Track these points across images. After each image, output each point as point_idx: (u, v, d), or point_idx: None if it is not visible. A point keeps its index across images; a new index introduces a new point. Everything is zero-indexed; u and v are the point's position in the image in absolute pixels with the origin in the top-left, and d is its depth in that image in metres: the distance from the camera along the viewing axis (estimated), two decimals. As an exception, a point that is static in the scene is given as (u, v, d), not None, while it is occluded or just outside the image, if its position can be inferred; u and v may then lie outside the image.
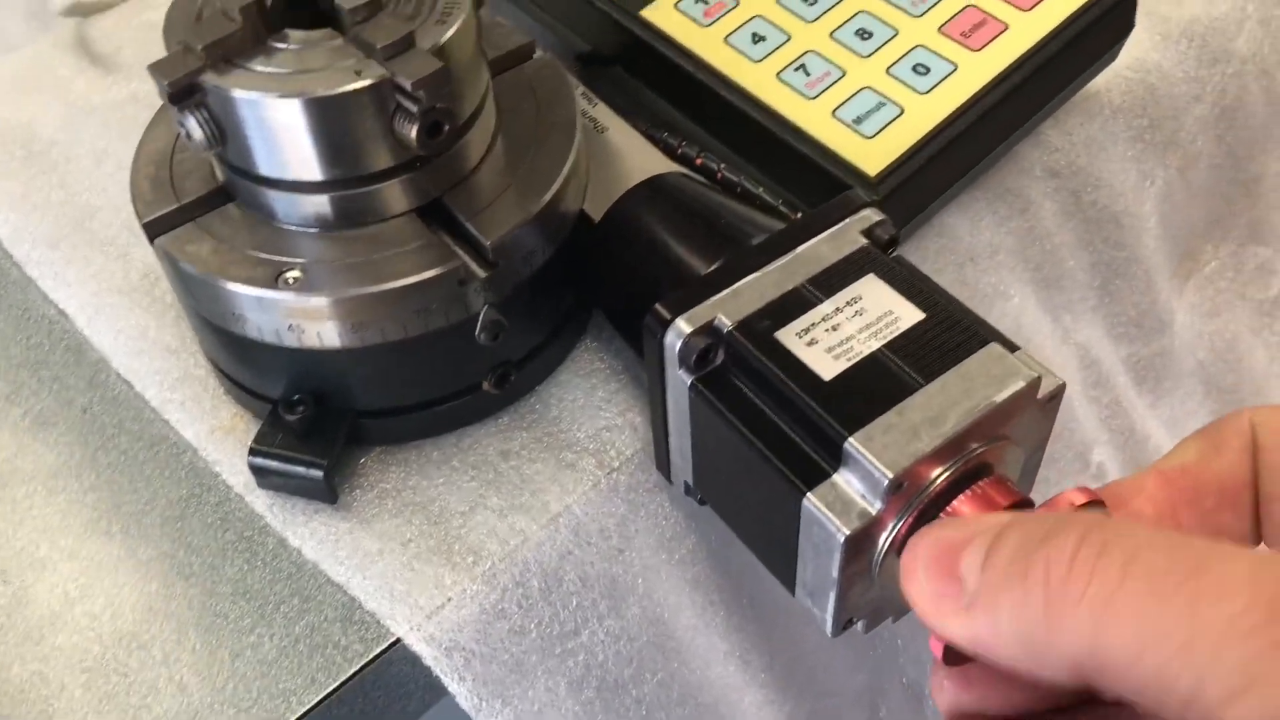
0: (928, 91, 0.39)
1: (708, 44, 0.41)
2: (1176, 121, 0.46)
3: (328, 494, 0.35)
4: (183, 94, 0.30)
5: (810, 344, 0.30)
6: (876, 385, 0.29)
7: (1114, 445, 0.48)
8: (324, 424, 0.35)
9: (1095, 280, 0.45)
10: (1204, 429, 0.28)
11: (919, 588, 0.23)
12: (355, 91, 0.30)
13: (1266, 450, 0.26)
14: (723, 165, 0.39)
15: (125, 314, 0.40)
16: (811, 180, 0.38)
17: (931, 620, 0.22)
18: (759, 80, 0.39)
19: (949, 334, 0.29)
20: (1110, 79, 0.45)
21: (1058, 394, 0.30)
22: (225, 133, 0.31)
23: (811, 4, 0.41)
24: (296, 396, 0.35)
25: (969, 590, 0.21)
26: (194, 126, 0.31)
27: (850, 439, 0.27)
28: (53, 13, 0.49)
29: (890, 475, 0.27)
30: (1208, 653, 0.18)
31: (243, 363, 0.35)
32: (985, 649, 0.23)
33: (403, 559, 0.34)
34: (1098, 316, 0.46)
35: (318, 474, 0.34)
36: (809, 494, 0.28)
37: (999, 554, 0.21)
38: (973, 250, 0.41)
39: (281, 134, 0.31)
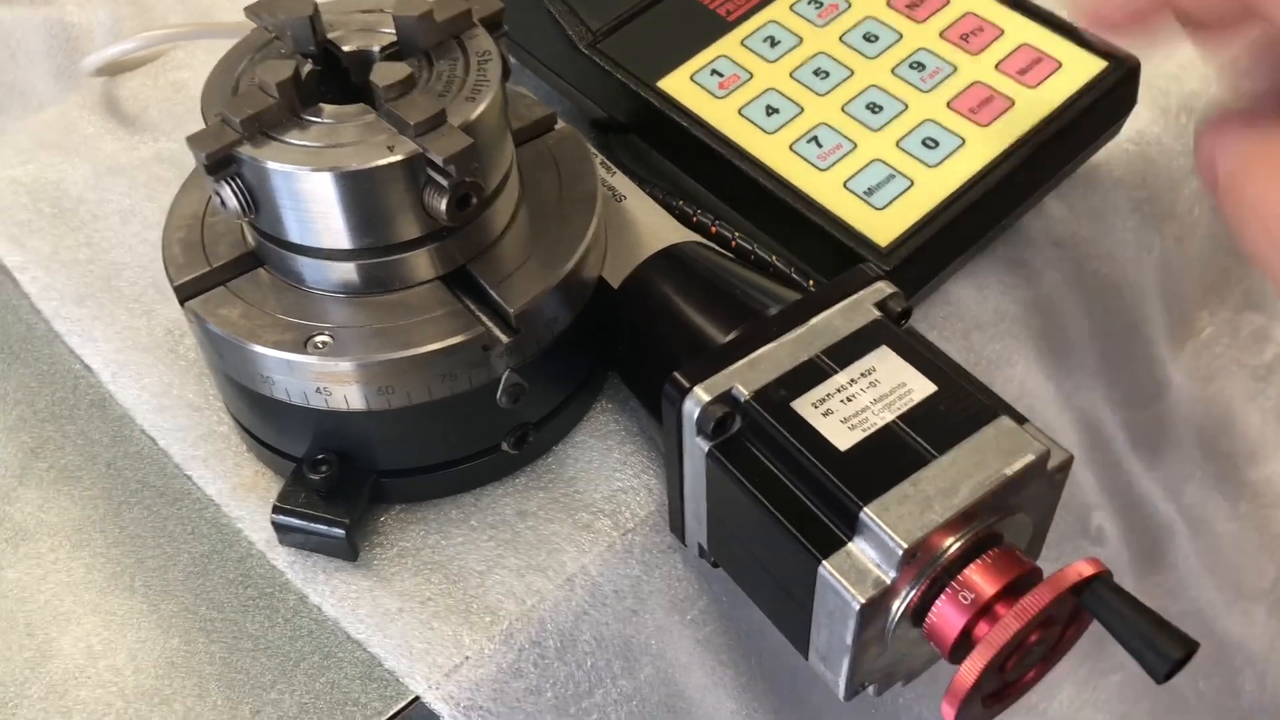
0: (937, 165, 0.40)
1: (722, 115, 0.42)
2: (1174, 193, 0.47)
3: (349, 552, 0.35)
4: (219, 165, 0.31)
5: (826, 414, 0.31)
6: (891, 456, 0.29)
7: (1113, 508, 0.48)
8: (347, 483, 0.36)
9: (1095, 347, 0.46)
10: None
11: None
12: (387, 166, 0.31)
13: None
14: (737, 233, 0.40)
15: (149, 370, 0.41)
16: (823, 250, 0.39)
17: None
18: (772, 151, 0.41)
19: (960, 406, 0.30)
20: (1111, 152, 0.46)
21: (1066, 466, 0.31)
22: (258, 202, 0.32)
23: (824, 78, 0.42)
24: (321, 456, 0.35)
25: None
26: (229, 195, 0.32)
27: (866, 509, 0.28)
28: (82, 73, 0.51)
29: (905, 545, 0.27)
30: None
31: (268, 422, 0.36)
32: None
33: (421, 617, 0.34)
34: (1097, 382, 0.47)
35: (340, 533, 0.35)
36: (824, 562, 0.29)
37: None
38: (978, 318, 0.42)
39: (313, 205, 0.32)
